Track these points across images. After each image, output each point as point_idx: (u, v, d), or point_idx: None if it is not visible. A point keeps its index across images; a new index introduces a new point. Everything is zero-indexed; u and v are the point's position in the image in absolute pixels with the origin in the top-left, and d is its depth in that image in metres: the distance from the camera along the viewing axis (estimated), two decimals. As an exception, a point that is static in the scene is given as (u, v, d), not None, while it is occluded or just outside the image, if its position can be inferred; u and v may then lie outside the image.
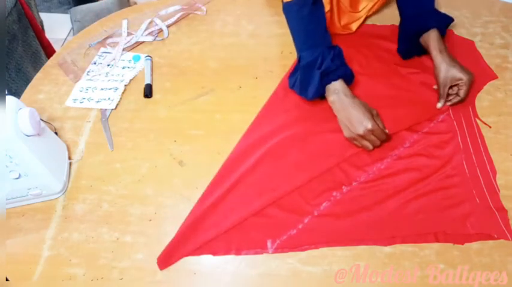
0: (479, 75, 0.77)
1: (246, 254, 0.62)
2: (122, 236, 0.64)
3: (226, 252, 0.62)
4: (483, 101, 0.81)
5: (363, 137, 0.71)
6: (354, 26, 0.93)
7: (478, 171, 0.71)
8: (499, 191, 0.68)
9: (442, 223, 0.65)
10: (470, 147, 0.73)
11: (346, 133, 0.73)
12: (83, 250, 0.63)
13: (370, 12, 0.95)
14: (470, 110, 0.79)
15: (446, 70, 0.77)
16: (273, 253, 0.62)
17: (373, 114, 0.71)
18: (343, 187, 0.69)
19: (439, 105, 0.78)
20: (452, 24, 0.85)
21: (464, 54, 0.87)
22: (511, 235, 0.63)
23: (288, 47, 0.91)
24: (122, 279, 0.60)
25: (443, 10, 0.98)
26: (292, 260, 0.62)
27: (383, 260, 0.61)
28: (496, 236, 0.63)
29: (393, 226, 0.64)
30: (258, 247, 0.63)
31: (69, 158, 0.72)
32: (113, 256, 0.62)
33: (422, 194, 0.68)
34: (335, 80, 0.73)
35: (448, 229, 0.64)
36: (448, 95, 0.78)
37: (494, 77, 0.85)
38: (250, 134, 0.76)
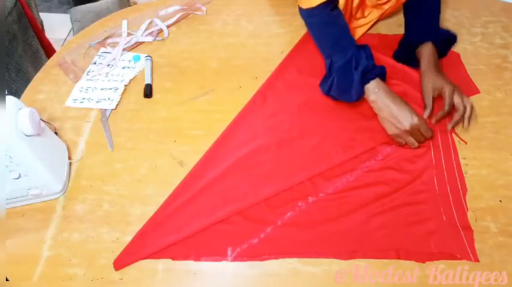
0: (461, 88, 0.75)
1: (206, 260, 0.61)
2: (122, 236, 0.64)
3: (186, 257, 0.62)
4: (483, 101, 0.81)
5: (409, 132, 0.71)
6: (359, 33, 0.92)
7: (448, 188, 0.68)
8: (467, 209, 0.66)
9: (405, 240, 0.63)
10: (443, 163, 0.72)
11: (390, 131, 0.73)
12: (83, 250, 0.63)
13: (375, 21, 0.93)
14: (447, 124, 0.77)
15: (429, 79, 0.77)
16: (232, 261, 0.61)
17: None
18: (309, 197, 0.67)
19: (425, 114, 0.76)
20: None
21: (448, 65, 0.86)
22: (474, 256, 0.61)
23: (288, 47, 0.91)
24: (122, 279, 0.60)
25: (443, 10, 0.99)
26: (292, 260, 0.62)
27: (383, 260, 0.61)
28: (459, 256, 0.61)
29: (355, 239, 0.63)
30: (217, 254, 0.62)
31: (69, 158, 0.72)
32: (113, 256, 0.62)
33: (389, 209, 0.66)
34: (373, 79, 0.74)
35: (410, 246, 0.62)
36: (434, 103, 0.77)
37: (476, 91, 0.83)
38: (224, 140, 0.75)
